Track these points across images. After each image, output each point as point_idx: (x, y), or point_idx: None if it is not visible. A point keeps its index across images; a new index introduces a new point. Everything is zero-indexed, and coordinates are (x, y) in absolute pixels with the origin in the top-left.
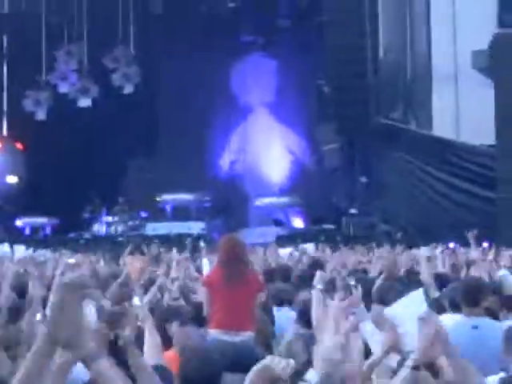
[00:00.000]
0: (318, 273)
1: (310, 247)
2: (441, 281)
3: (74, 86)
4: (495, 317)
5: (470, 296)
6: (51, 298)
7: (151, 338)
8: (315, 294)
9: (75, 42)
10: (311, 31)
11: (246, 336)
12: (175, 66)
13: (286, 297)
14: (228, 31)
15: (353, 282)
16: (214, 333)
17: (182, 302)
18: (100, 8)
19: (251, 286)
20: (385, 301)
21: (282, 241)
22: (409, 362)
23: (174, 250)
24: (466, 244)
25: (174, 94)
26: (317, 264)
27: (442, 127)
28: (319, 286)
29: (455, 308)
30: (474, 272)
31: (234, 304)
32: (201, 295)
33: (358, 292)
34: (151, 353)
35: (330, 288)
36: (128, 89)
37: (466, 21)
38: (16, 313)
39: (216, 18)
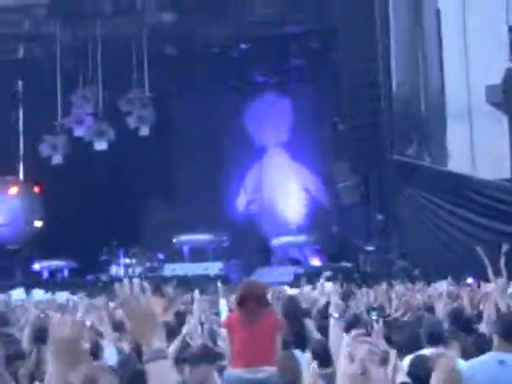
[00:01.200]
0: (333, 301)
1: (328, 286)
2: (455, 316)
3: (90, 129)
4: None
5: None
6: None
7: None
8: (332, 322)
9: (90, 85)
10: (324, 69)
11: (269, 372)
12: (189, 107)
13: None
14: (241, 72)
15: (374, 317)
16: (235, 371)
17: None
18: (114, 51)
19: (269, 324)
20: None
21: (299, 280)
22: None
23: (196, 292)
24: (486, 279)
25: (189, 134)
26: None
27: (457, 162)
28: (336, 315)
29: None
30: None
31: (253, 342)
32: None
33: (380, 326)
34: None
35: (351, 323)
36: (143, 131)
37: (478, 55)
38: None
39: (228, 59)
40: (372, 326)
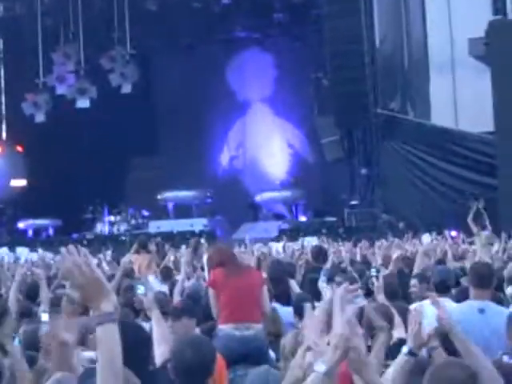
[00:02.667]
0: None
1: (312, 241)
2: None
3: (72, 87)
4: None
5: (483, 280)
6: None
7: (159, 328)
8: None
9: (71, 43)
10: (307, 25)
11: (256, 329)
12: (172, 64)
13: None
14: (223, 27)
15: (374, 273)
16: (224, 328)
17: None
18: (95, 8)
19: (253, 278)
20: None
21: (284, 235)
22: (404, 349)
23: (183, 248)
24: (469, 231)
25: (172, 91)
26: (321, 253)
27: (440, 116)
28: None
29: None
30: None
31: (240, 297)
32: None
33: (380, 283)
34: (159, 341)
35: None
36: (126, 88)
37: (461, 9)
38: (26, 315)
39: (211, 14)
40: (372, 283)
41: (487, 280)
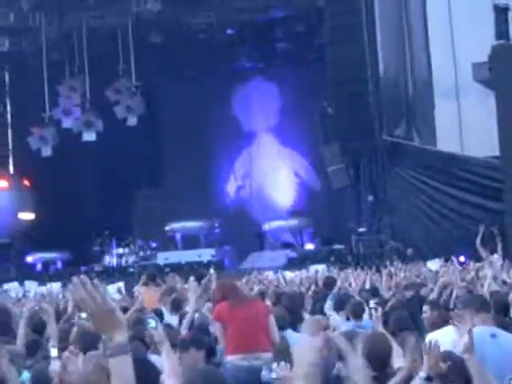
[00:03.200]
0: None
1: (320, 269)
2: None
3: (78, 120)
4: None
5: (488, 305)
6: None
7: (169, 362)
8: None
9: (77, 76)
10: (311, 53)
11: (265, 358)
12: (177, 95)
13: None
14: (228, 58)
15: (373, 305)
16: (232, 359)
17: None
18: (100, 41)
19: (258, 308)
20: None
21: (292, 263)
22: (421, 375)
23: (192, 279)
24: (477, 256)
25: (178, 122)
26: (331, 282)
27: (446, 141)
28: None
29: None
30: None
31: (246, 328)
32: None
33: (378, 314)
34: (169, 375)
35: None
36: (131, 120)
37: (463, 34)
38: (33, 349)
39: (215, 45)
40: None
41: (494, 305)
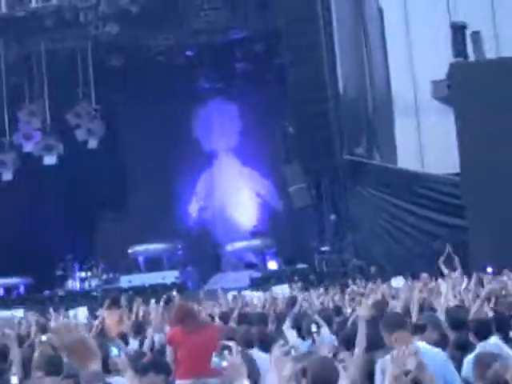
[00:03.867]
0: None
1: (284, 289)
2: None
3: (39, 144)
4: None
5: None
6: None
7: None
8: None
9: (37, 100)
10: (270, 73)
11: (213, 382)
12: (138, 117)
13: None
14: (187, 79)
15: (314, 329)
16: (180, 383)
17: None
18: (59, 65)
19: (210, 333)
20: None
21: (256, 284)
22: None
23: (153, 302)
24: (440, 273)
25: (139, 144)
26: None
27: (406, 159)
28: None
29: None
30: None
31: (196, 353)
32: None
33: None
34: None
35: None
36: (92, 143)
37: (422, 52)
38: None
39: (175, 67)
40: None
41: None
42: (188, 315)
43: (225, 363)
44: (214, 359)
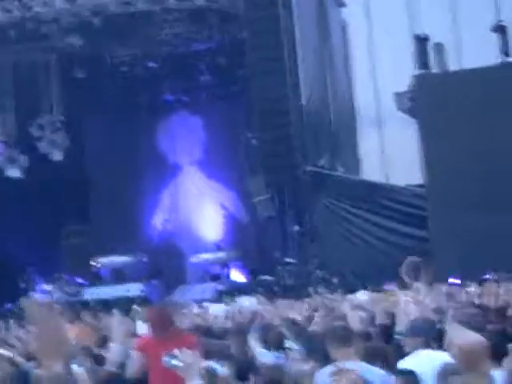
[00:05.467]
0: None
1: (247, 301)
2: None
3: (2, 156)
4: None
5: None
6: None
7: None
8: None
9: (0, 112)
10: (234, 85)
11: None
12: (101, 129)
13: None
14: (150, 91)
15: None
16: None
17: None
18: (22, 77)
19: (183, 343)
20: None
21: (221, 296)
22: None
23: (115, 312)
24: (404, 284)
25: (103, 156)
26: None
27: (369, 170)
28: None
29: None
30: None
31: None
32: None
33: None
34: None
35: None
36: (56, 155)
37: (385, 64)
38: None
39: (137, 78)
40: None
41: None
42: (164, 321)
43: (176, 362)
44: (165, 358)
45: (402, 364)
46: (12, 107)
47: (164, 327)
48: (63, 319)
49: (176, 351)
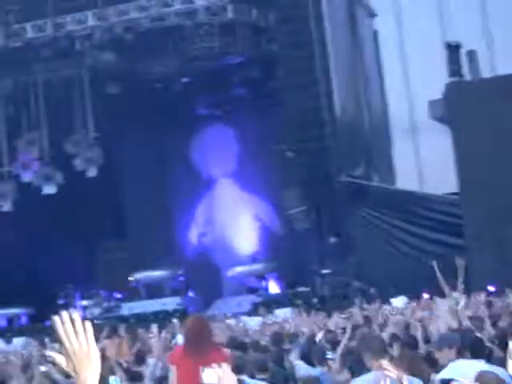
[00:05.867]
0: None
1: (284, 314)
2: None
3: (37, 173)
4: None
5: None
6: None
7: None
8: None
9: (34, 130)
10: (267, 98)
11: None
12: (136, 145)
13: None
14: (185, 106)
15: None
16: None
17: None
18: (56, 94)
19: (214, 358)
20: None
21: (257, 308)
22: None
23: (154, 326)
24: (440, 293)
25: (137, 172)
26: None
27: (404, 179)
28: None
29: None
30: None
31: (196, 377)
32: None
33: None
34: None
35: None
36: (91, 172)
37: (418, 72)
38: None
39: (171, 93)
40: None
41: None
42: (198, 332)
43: (211, 378)
44: (202, 374)
45: (439, 376)
46: (46, 124)
47: (199, 337)
48: (96, 334)
49: (212, 366)
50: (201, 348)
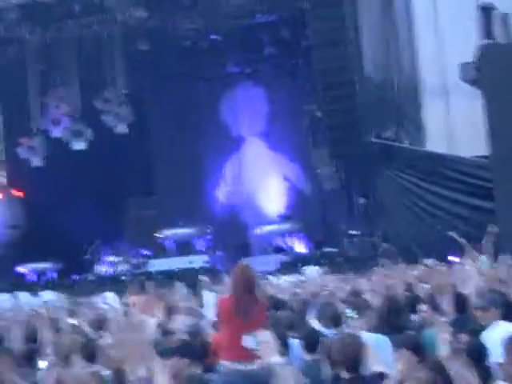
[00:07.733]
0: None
1: (314, 271)
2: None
3: (67, 129)
4: None
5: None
6: None
7: (161, 378)
8: None
9: (65, 86)
10: (297, 57)
11: (261, 364)
12: (165, 102)
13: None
14: (215, 63)
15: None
16: (226, 364)
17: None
18: (87, 50)
19: (261, 319)
20: None
21: (285, 267)
22: None
23: (179, 285)
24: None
25: (166, 129)
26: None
27: (435, 142)
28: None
29: None
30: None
31: (243, 335)
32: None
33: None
34: None
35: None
36: (121, 128)
37: (450, 34)
38: (28, 357)
39: (201, 51)
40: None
41: None
42: (248, 286)
43: (255, 344)
44: (245, 341)
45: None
46: (76, 81)
47: (249, 288)
48: (124, 290)
49: (254, 333)
50: (249, 302)
